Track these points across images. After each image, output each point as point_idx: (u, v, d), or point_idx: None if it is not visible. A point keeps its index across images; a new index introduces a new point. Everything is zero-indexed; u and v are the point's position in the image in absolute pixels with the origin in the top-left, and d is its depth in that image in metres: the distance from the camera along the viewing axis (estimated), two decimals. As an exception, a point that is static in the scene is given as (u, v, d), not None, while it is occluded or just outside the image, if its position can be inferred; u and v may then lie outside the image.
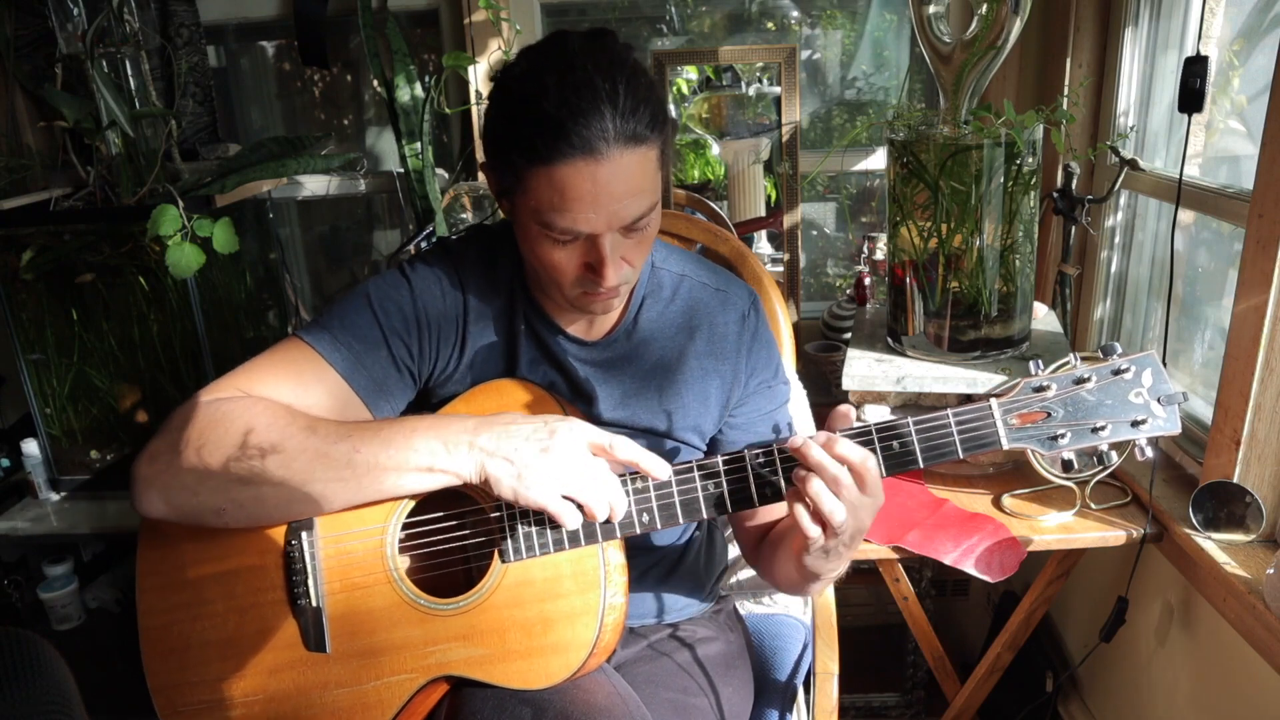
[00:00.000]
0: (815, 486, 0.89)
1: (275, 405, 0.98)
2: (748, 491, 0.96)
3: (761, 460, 0.96)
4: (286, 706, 1.00)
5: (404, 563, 1.03)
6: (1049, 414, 0.92)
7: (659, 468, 0.95)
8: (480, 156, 1.97)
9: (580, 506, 0.94)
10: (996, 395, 0.94)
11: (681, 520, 0.98)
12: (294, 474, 0.93)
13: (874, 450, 0.94)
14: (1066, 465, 0.95)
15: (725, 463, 0.97)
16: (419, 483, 0.95)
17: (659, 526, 0.98)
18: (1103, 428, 0.91)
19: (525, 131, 0.90)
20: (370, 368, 1.03)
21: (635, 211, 0.93)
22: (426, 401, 1.11)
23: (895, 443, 0.93)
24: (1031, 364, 0.95)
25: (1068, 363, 0.95)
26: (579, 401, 1.11)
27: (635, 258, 0.99)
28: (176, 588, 1.03)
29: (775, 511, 1.15)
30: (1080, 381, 0.92)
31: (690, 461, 0.98)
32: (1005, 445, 0.93)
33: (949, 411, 0.93)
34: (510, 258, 1.09)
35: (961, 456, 0.93)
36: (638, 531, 0.99)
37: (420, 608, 1.00)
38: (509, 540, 0.99)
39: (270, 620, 1.02)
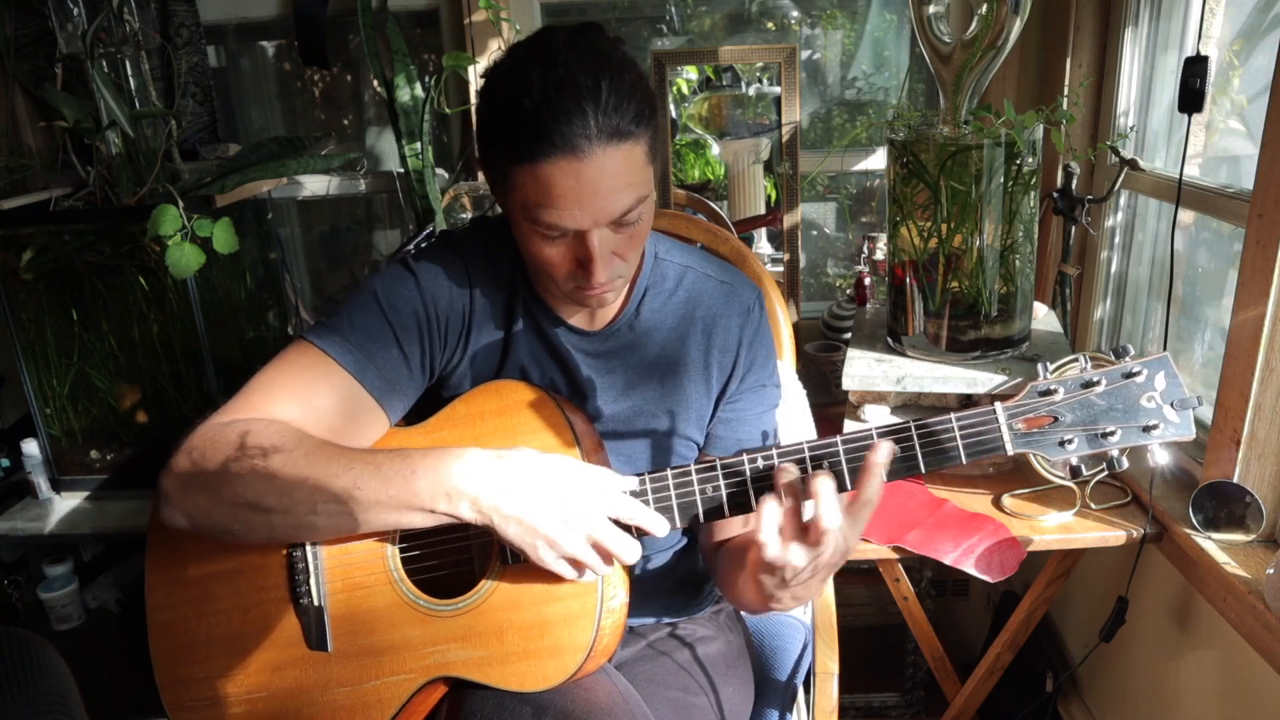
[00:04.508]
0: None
1: (284, 430, 0.97)
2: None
3: (760, 466, 0.95)
4: (289, 704, 1.01)
5: (405, 563, 1.03)
6: (1056, 418, 0.90)
7: (660, 526, 0.96)
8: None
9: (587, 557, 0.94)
10: (1001, 399, 0.92)
11: (680, 525, 0.98)
12: (297, 504, 0.93)
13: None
14: (1074, 471, 0.92)
15: (724, 468, 0.96)
16: (420, 521, 0.94)
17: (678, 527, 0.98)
18: (1112, 433, 0.89)
19: (508, 130, 0.90)
20: (381, 365, 1.03)
21: (621, 207, 0.93)
22: (436, 396, 1.11)
23: (896, 447, 0.92)
24: (1039, 366, 0.93)
25: (1075, 361, 0.93)
26: (579, 394, 1.11)
27: (627, 252, 0.99)
28: (184, 584, 1.04)
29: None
30: (1089, 385, 0.89)
31: (689, 465, 0.98)
32: (1010, 451, 0.90)
33: (952, 415, 0.91)
34: (511, 250, 1.08)
35: (964, 462, 0.91)
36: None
37: (420, 608, 1.00)
38: (509, 541, 0.99)
39: (273, 618, 1.02)
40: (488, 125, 0.94)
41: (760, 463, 0.94)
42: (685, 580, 1.22)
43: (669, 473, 0.97)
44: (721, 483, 0.96)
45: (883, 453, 0.83)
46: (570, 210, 0.91)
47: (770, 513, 0.84)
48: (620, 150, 0.90)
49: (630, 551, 0.94)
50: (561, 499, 0.92)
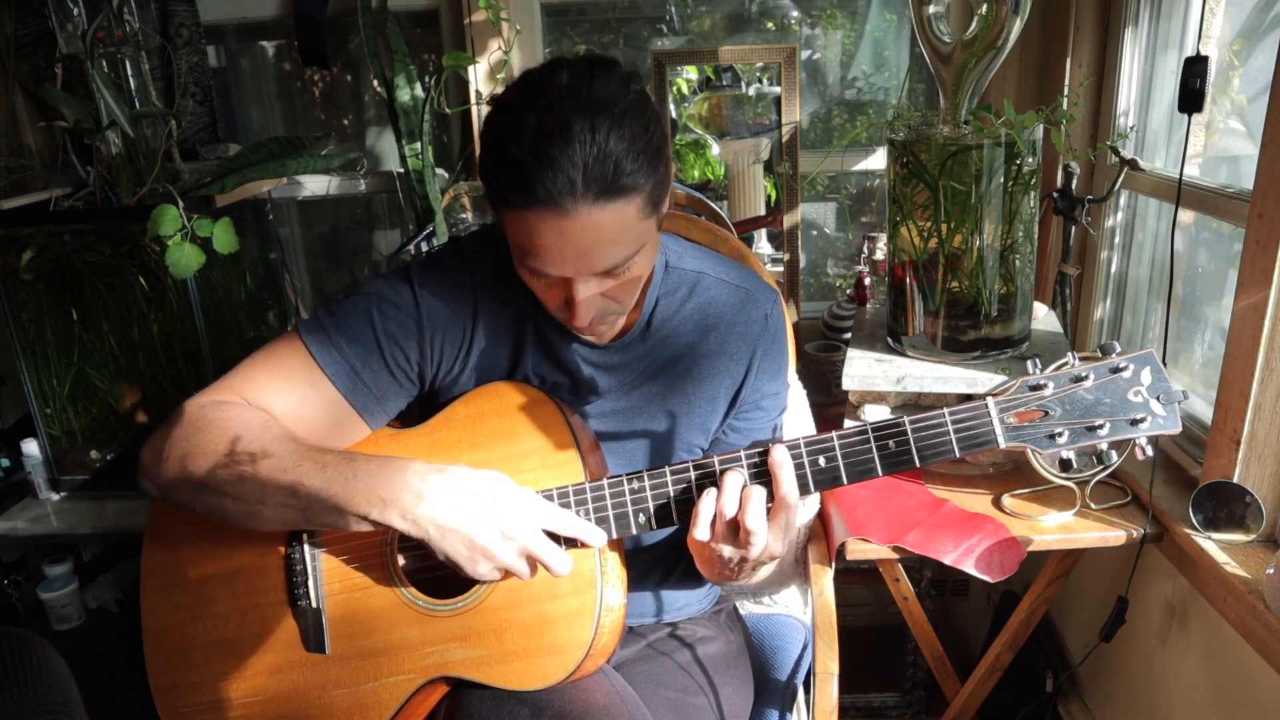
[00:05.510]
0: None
1: (256, 419, 0.99)
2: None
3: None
4: (287, 707, 1.01)
5: (403, 563, 1.03)
6: (1046, 412, 0.92)
7: (596, 537, 0.97)
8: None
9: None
10: (993, 394, 0.94)
11: (655, 526, 0.99)
12: (249, 491, 0.95)
13: (870, 448, 0.93)
14: (1065, 465, 0.94)
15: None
16: (355, 526, 0.94)
17: (653, 528, 0.99)
18: (1101, 426, 0.91)
19: (499, 172, 0.88)
20: (370, 383, 1.03)
21: (607, 262, 0.91)
22: (432, 402, 1.10)
23: (891, 442, 0.93)
24: (1029, 363, 0.95)
25: (1065, 362, 0.95)
26: (581, 399, 1.11)
27: (621, 296, 0.97)
28: (180, 588, 1.04)
29: None
30: (1078, 380, 0.92)
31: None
32: (1002, 444, 0.92)
33: (945, 410, 0.93)
34: None
35: (958, 455, 0.93)
36: (633, 532, 0.99)
37: (419, 608, 1.00)
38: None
39: (271, 621, 1.02)
40: (484, 162, 0.92)
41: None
42: (686, 576, 1.21)
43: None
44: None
45: (779, 453, 0.94)
46: (553, 261, 0.90)
47: (705, 511, 0.94)
48: (610, 209, 0.87)
49: (561, 563, 0.95)
50: (498, 512, 0.92)
